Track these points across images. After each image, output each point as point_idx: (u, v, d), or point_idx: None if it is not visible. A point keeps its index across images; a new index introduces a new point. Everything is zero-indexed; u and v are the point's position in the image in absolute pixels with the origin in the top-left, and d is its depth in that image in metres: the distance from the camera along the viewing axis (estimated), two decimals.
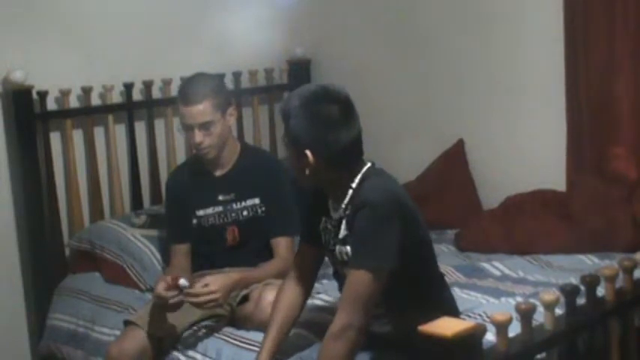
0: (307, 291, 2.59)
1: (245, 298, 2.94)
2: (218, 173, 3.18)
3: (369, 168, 2.38)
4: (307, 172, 2.34)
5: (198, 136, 3.03)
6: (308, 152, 2.30)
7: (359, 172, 2.36)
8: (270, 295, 2.78)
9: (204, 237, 3.17)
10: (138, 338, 2.96)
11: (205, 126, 3.03)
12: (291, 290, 2.56)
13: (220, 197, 3.16)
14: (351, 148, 2.35)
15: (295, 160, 2.36)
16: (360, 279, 2.23)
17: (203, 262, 3.18)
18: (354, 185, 2.34)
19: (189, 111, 3.03)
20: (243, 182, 3.15)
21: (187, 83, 3.10)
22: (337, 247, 2.39)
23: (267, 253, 3.12)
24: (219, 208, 3.16)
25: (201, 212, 3.17)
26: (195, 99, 3.02)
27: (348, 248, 2.33)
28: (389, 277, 2.24)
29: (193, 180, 3.20)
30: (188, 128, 3.06)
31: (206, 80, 3.10)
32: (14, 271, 3.66)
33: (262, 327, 2.76)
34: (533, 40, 3.81)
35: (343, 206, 2.35)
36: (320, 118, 2.30)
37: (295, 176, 2.45)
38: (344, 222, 2.35)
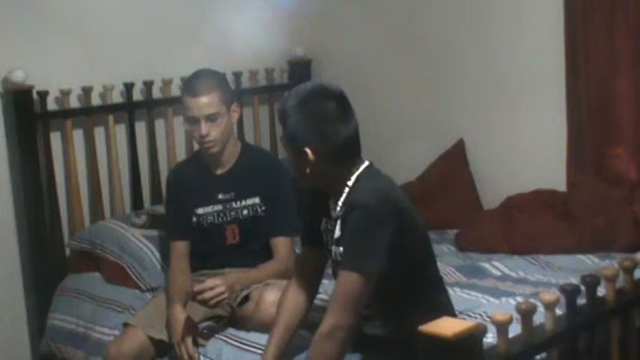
0: (311, 294, 2.57)
1: (245, 299, 2.93)
2: (219, 172, 3.18)
3: (365, 167, 2.38)
4: (308, 170, 2.33)
5: (205, 127, 3.03)
6: (307, 150, 2.31)
7: (356, 170, 2.36)
8: (270, 296, 2.78)
9: (204, 236, 3.17)
10: (137, 338, 2.96)
11: (212, 117, 3.04)
12: (294, 294, 2.55)
13: (220, 196, 3.16)
14: (350, 143, 2.35)
15: (295, 159, 2.36)
16: (348, 280, 2.23)
17: (203, 261, 3.18)
18: (350, 183, 2.34)
19: (196, 102, 3.03)
20: (243, 181, 3.14)
21: (194, 76, 3.11)
22: (333, 248, 2.39)
23: (268, 253, 3.11)
24: (219, 207, 3.16)
25: (200, 210, 3.17)
26: (204, 90, 3.03)
27: (342, 249, 2.33)
28: (380, 279, 2.24)
29: (194, 177, 3.20)
30: (194, 121, 3.06)
31: (213, 74, 3.13)
32: (14, 272, 3.66)
33: (263, 327, 2.76)
34: (533, 40, 3.81)
35: (340, 204, 2.36)
36: (317, 114, 2.31)
37: (295, 176, 2.44)
38: (338, 222, 2.35)
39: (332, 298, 2.29)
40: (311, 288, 2.57)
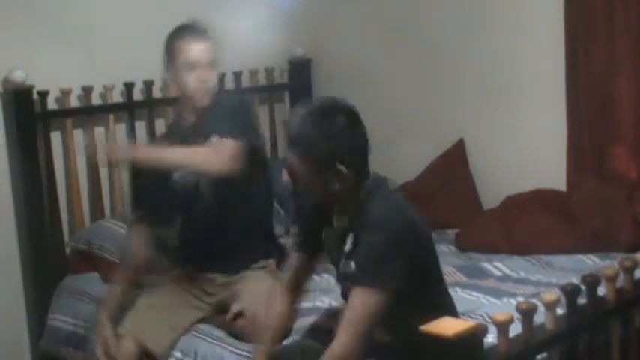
0: (300, 295, 2.58)
1: (239, 314, 2.84)
2: (188, 123, 3.00)
3: (375, 179, 2.34)
4: (338, 187, 2.26)
5: (205, 72, 2.91)
6: (342, 167, 2.24)
7: (367, 182, 2.31)
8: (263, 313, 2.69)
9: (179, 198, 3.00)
10: (128, 348, 2.89)
11: (211, 64, 2.94)
12: (283, 300, 2.54)
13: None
14: (364, 155, 2.32)
15: (326, 180, 2.26)
16: (366, 299, 2.20)
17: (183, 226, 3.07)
18: (361, 195, 2.29)
19: (200, 47, 2.93)
20: (216, 118, 2.92)
21: (188, 24, 3.00)
22: (342, 261, 2.36)
23: (250, 207, 2.99)
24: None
25: (177, 175, 2.96)
26: (205, 35, 2.96)
27: (353, 264, 2.29)
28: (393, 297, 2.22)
29: (167, 141, 3.03)
30: (193, 67, 2.91)
31: (203, 24, 3.03)
32: (14, 272, 3.65)
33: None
34: (533, 40, 3.81)
35: (349, 217, 2.31)
36: (342, 129, 2.25)
37: (311, 197, 2.37)
38: (350, 235, 2.31)
39: (346, 317, 2.25)
40: (298, 293, 2.57)
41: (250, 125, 2.93)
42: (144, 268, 3.08)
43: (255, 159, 2.91)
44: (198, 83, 2.91)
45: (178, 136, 2.98)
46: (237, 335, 2.87)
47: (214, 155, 2.77)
